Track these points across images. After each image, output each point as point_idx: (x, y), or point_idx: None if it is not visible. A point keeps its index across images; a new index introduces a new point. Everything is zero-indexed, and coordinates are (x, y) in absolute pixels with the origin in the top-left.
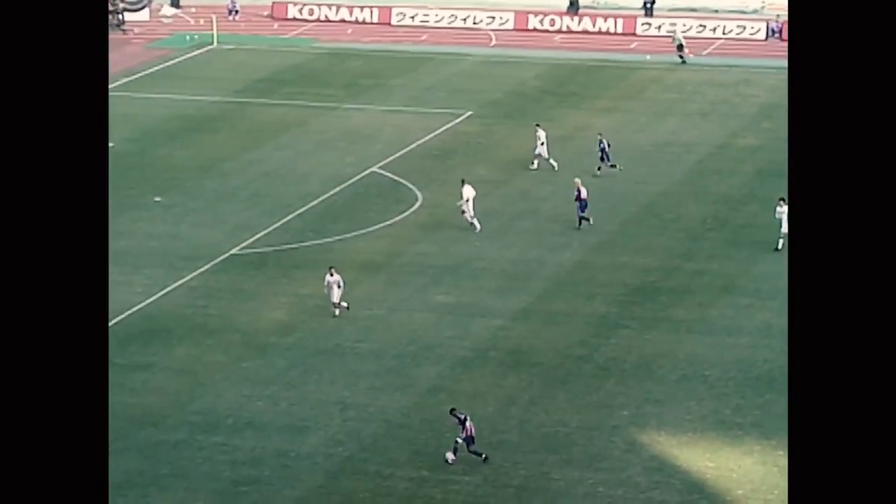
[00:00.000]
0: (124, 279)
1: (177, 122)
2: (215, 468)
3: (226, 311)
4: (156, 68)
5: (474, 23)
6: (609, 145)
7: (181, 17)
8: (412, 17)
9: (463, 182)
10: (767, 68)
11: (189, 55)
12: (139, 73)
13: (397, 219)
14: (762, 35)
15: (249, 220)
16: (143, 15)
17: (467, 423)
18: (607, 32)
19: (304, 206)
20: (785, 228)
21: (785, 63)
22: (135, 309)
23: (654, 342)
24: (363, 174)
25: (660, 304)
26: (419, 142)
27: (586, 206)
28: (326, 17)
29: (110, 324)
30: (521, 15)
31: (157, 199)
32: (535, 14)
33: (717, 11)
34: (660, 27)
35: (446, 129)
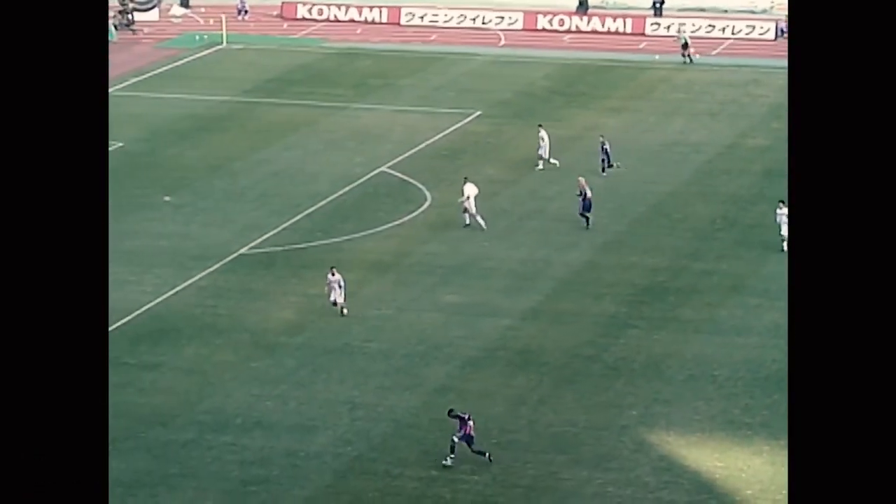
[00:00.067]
0: (134, 279)
1: (186, 121)
2: (224, 468)
3: (235, 310)
4: (165, 68)
5: (483, 23)
6: (609, 146)
7: (191, 17)
8: (421, 17)
9: (465, 180)
10: (776, 68)
11: (198, 55)
12: (148, 72)
13: (406, 219)
14: (771, 35)
15: (258, 219)
16: (153, 15)
17: (469, 423)
18: (616, 32)
19: (312, 205)
20: (785, 231)
21: None
22: (144, 308)
23: (662, 342)
24: (372, 174)
25: (668, 303)
26: (428, 141)
27: (590, 205)
28: (336, 16)
29: (119, 323)
30: (531, 15)
31: (167, 198)
32: (545, 14)
33: (726, 11)
34: (669, 27)
35: (455, 129)
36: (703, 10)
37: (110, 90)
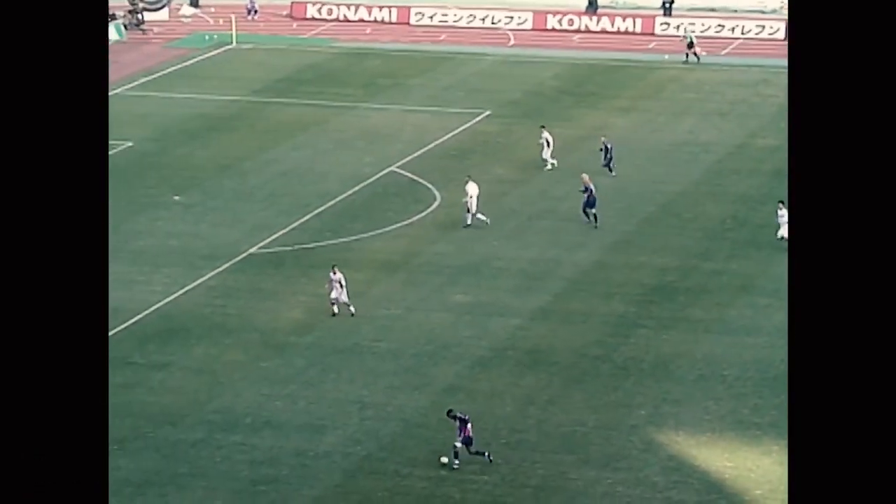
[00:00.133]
0: (143, 278)
1: (196, 121)
2: (234, 467)
3: (244, 310)
4: (175, 68)
5: (493, 22)
6: (612, 148)
7: (200, 17)
8: (431, 17)
9: (468, 179)
10: (786, 68)
11: (208, 55)
12: (158, 72)
13: (415, 218)
14: (781, 35)
15: (268, 219)
16: (163, 14)
17: (466, 426)
18: (626, 32)
19: (322, 205)
20: (781, 232)
21: None
22: (153, 308)
23: (671, 342)
24: (381, 174)
25: (678, 303)
26: (437, 141)
27: (595, 201)
28: (345, 16)
29: (129, 323)
30: (540, 15)
31: (177, 198)
32: (554, 14)
33: (735, 11)
34: (678, 27)
35: (465, 129)
36: (712, 9)
37: (120, 90)
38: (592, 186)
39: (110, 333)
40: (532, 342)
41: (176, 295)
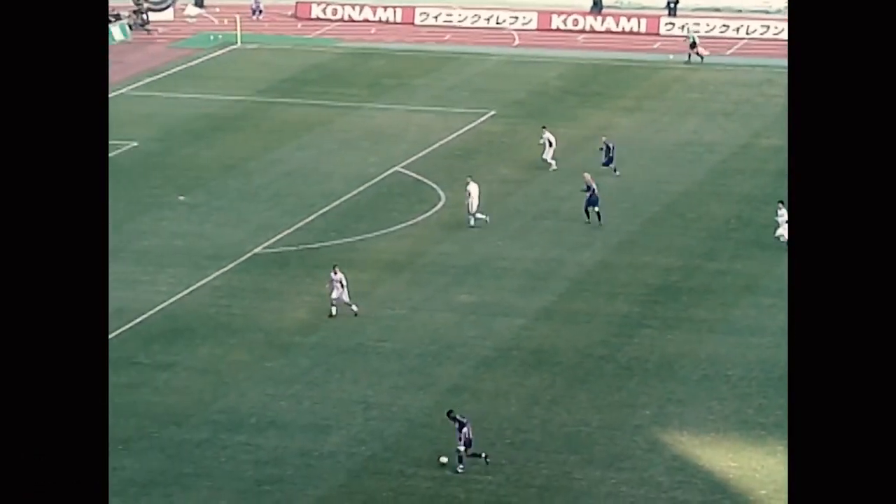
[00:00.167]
0: (148, 278)
1: (200, 121)
2: (238, 467)
3: (249, 310)
4: (179, 68)
5: (498, 22)
6: (614, 147)
7: (205, 17)
8: (435, 17)
9: (469, 180)
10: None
11: (213, 55)
12: (163, 72)
13: (420, 218)
14: (786, 35)
15: (273, 219)
16: (168, 14)
17: (465, 429)
18: (630, 32)
19: (327, 205)
20: (780, 232)
21: None
22: (158, 308)
23: (676, 342)
24: (386, 174)
25: (682, 303)
26: (442, 141)
27: (597, 200)
28: (350, 16)
29: (133, 323)
30: (545, 15)
31: (181, 198)
32: (559, 14)
33: (740, 11)
34: (683, 27)
35: (469, 129)
36: (717, 9)
37: (125, 90)
38: (595, 185)
39: (115, 333)
40: (536, 342)
41: (181, 295)
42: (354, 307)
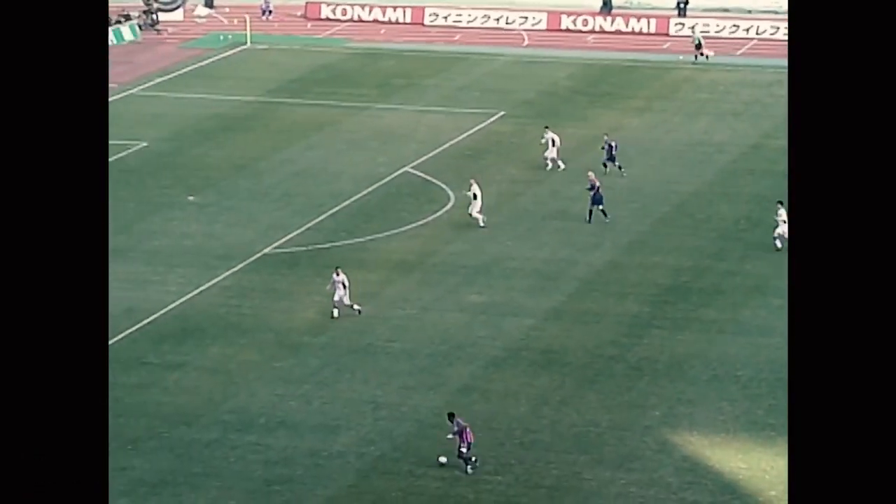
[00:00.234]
0: (158, 278)
1: (210, 121)
2: (248, 467)
3: (259, 310)
4: (189, 68)
5: (507, 23)
6: (616, 146)
7: (215, 17)
8: (445, 18)
9: (472, 182)
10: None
11: (223, 55)
12: (173, 72)
13: (430, 218)
14: None
15: (282, 219)
16: (177, 15)
17: (466, 433)
18: (640, 32)
19: (336, 205)
20: (779, 231)
21: None
22: (168, 308)
23: (686, 342)
24: (396, 174)
25: (692, 304)
26: (452, 142)
27: (601, 198)
28: (359, 17)
29: (143, 323)
30: (554, 15)
31: (191, 198)
32: (568, 14)
33: (750, 12)
34: (693, 27)
35: (479, 129)
36: (726, 10)
37: (135, 90)
38: (598, 184)
39: (125, 333)
40: (546, 342)
41: (191, 295)
42: (356, 307)
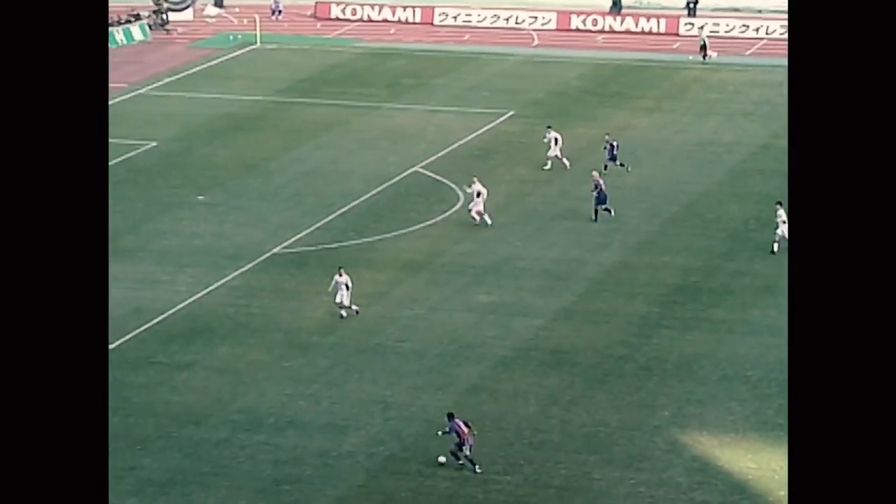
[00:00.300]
0: (167, 278)
1: (220, 121)
2: (257, 467)
3: (268, 310)
4: (199, 68)
5: (517, 23)
6: (618, 146)
7: (224, 17)
8: (455, 17)
9: (474, 180)
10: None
11: (232, 55)
12: (182, 72)
13: (439, 218)
14: None
15: (292, 219)
16: (187, 15)
17: (462, 434)
18: (650, 32)
19: (346, 205)
20: (779, 232)
21: None
22: (177, 308)
23: (695, 342)
24: (405, 174)
25: (701, 304)
26: (461, 141)
27: (606, 198)
28: (369, 16)
29: (153, 322)
30: (564, 15)
31: (201, 197)
32: (578, 14)
33: (760, 11)
34: (703, 27)
35: (488, 129)
36: (736, 10)
37: (144, 90)
38: (602, 183)
39: (134, 333)
40: (555, 342)
41: (200, 294)
42: (354, 307)
